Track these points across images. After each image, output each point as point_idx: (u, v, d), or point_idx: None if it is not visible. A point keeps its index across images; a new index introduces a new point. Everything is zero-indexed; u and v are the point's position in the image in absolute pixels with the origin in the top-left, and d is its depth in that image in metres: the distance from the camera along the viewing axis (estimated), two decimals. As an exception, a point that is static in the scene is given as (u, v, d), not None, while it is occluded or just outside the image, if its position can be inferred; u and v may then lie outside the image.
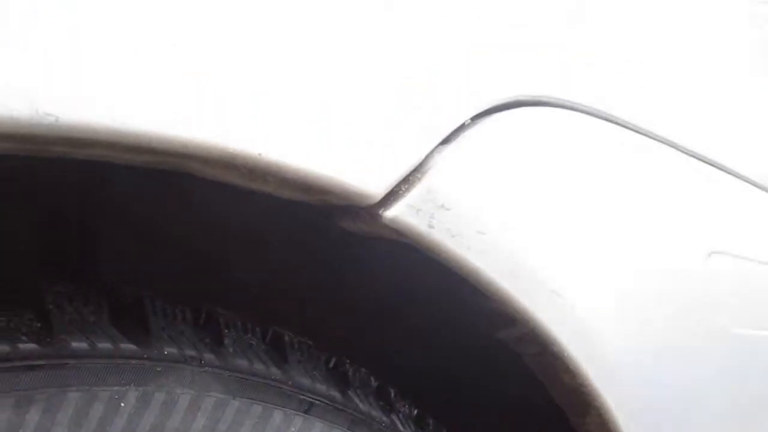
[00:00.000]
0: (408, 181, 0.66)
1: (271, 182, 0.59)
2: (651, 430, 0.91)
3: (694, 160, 1.03)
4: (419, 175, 0.67)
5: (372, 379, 0.79)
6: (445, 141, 0.68)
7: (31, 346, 0.58)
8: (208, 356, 0.66)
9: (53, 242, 0.72)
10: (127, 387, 0.60)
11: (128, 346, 0.62)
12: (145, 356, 0.62)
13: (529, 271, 0.75)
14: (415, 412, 0.81)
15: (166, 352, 0.64)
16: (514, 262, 0.73)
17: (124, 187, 0.66)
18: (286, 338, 0.73)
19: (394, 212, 0.64)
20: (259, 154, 0.56)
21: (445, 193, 0.68)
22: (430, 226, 0.67)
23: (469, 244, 0.69)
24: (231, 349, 0.68)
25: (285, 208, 0.68)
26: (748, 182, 1.14)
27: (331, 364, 0.76)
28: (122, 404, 0.59)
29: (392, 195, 0.65)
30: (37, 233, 0.71)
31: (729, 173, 1.10)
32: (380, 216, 0.64)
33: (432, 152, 0.67)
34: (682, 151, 1.00)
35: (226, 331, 0.69)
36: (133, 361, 0.62)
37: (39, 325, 0.60)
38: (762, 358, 1.13)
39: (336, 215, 0.67)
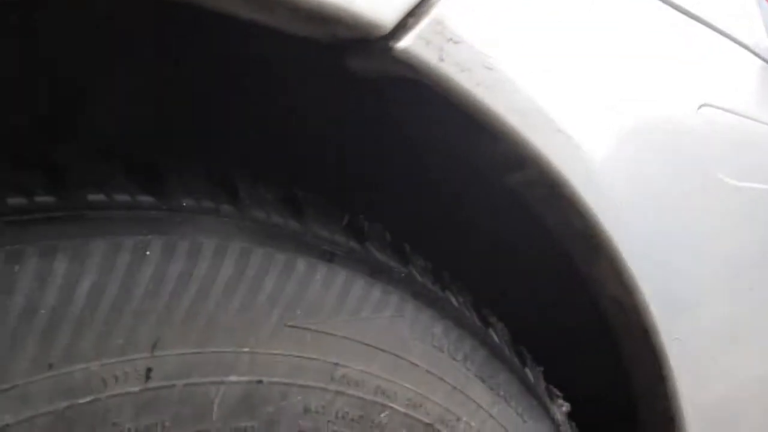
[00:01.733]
0: (416, 14, 0.65)
1: (280, 12, 0.57)
2: (661, 277, 0.92)
3: (687, 17, 1.03)
4: (426, 8, 0.65)
5: (387, 234, 0.78)
6: (452, -28, 0.67)
7: (48, 198, 0.56)
8: (225, 207, 0.65)
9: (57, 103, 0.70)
10: (150, 236, 0.59)
11: (146, 198, 0.61)
12: (164, 207, 0.61)
13: (537, 109, 0.74)
14: (430, 265, 0.81)
15: (184, 204, 0.62)
16: (522, 99, 0.73)
17: (128, 25, 0.64)
18: (299, 194, 0.72)
19: (404, 44, 0.63)
20: (269, -21, 0.54)
21: (453, 26, 0.66)
22: (441, 59, 0.66)
23: (478, 79, 0.69)
24: (247, 202, 0.67)
25: (293, 49, 0.66)
26: (734, 41, 1.15)
27: (345, 220, 0.75)
28: (148, 252, 0.58)
29: (401, 27, 0.63)
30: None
31: (717, 32, 1.11)
32: (391, 49, 0.63)
33: (439, -17, 0.66)
34: (677, 9, 1.00)
35: (240, 185, 0.68)
36: (153, 212, 0.60)
37: (52, 179, 0.58)
38: (754, 210, 1.15)
39: (346, 53, 0.65)
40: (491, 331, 0.84)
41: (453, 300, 0.80)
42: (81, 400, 0.54)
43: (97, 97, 0.73)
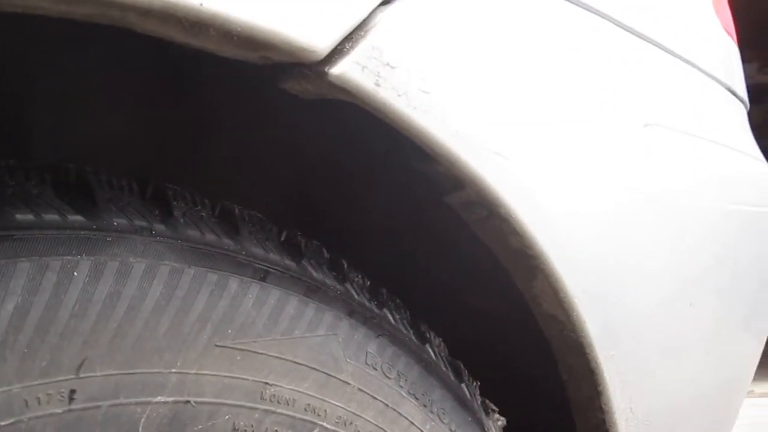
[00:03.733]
0: (352, 39, 0.65)
1: (214, 36, 0.57)
2: (598, 295, 0.93)
3: (628, 33, 1.05)
4: (363, 33, 0.66)
5: (324, 251, 0.79)
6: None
7: (-26, 218, 0.56)
8: (159, 227, 0.65)
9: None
10: (79, 257, 0.59)
11: (76, 218, 0.61)
12: (94, 227, 0.61)
13: (473, 131, 0.75)
14: (368, 282, 0.82)
15: (115, 223, 0.62)
16: (459, 122, 0.73)
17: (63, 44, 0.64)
18: (237, 211, 0.72)
19: (340, 69, 0.64)
20: (201, 4, 0.54)
21: (390, 51, 0.67)
22: (377, 84, 0.66)
23: (415, 103, 0.69)
24: (182, 220, 0.67)
25: (227, 71, 0.67)
26: (682, 59, 1.17)
27: (283, 237, 0.76)
28: (75, 273, 0.58)
29: (337, 52, 0.64)
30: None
31: (662, 49, 1.12)
32: (326, 74, 0.63)
33: (375, 10, 0.67)
34: (619, 26, 1.02)
35: (175, 203, 0.68)
36: (83, 232, 0.60)
37: (-21, 198, 0.58)
38: (696, 226, 1.17)
39: (280, 76, 0.65)
40: (428, 347, 0.85)
41: (390, 317, 0.81)
42: (2, 422, 0.54)
43: (27, 107, 0.72)
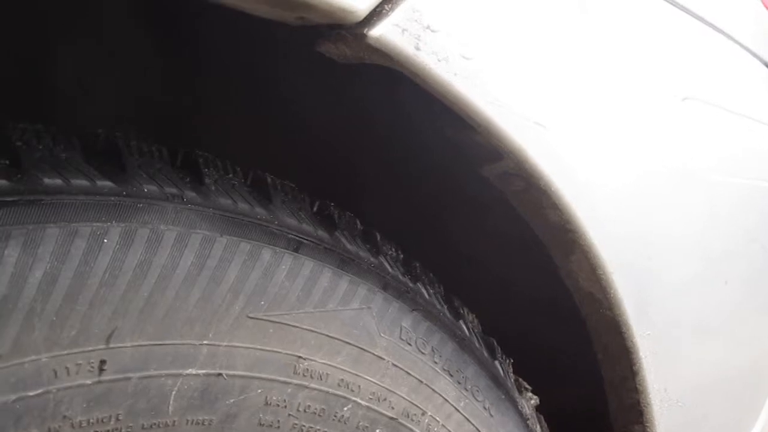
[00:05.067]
0: (392, 0, 0.62)
1: (250, -6, 0.55)
2: (635, 272, 0.91)
3: (669, 5, 1.01)
4: (403, -7, 0.63)
5: (357, 222, 0.77)
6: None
7: (2, 182, 0.54)
8: (190, 194, 0.63)
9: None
10: (109, 223, 0.57)
11: (105, 183, 0.58)
12: (124, 193, 0.59)
13: (514, 100, 0.72)
14: (402, 255, 0.80)
15: (145, 189, 0.60)
16: (500, 91, 0.71)
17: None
18: (269, 180, 0.70)
19: (379, 31, 0.61)
20: (237, -41, 0.52)
21: (430, 14, 0.64)
22: (417, 48, 0.63)
23: (455, 69, 0.67)
24: (213, 188, 0.65)
25: (265, 34, 0.64)
26: (722, 33, 1.14)
27: (315, 208, 0.74)
28: (105, 240, 0.56)
29: (376, 14, 0.61)
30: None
31: (703, 22, 1.09)
32: (365, 36, 0.61)
33: (416, -32, 0.64)
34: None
35: (206, 170, 0.66)
36: (112, 198, 0.58)
37: (7, 162, 0.56)
38: (732, 204, 1.14)
39: (316, 38, 0.63)
40: (461, 323, 0.83)
41: (424, 291, 0.79)
42: (30, 393, 0.52)
43: (53, 72, 0.70)
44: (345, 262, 0.71)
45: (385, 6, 0.62)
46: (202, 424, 0.61)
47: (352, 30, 0.61)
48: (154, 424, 0.59)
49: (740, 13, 1.21)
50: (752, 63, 1.26)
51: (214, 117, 0.80)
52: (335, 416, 0.70)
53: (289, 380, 0.66)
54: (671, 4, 1.01)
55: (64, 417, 0.54)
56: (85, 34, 0.75)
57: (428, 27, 0.64)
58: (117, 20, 0.74)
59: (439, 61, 0.65)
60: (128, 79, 0.75)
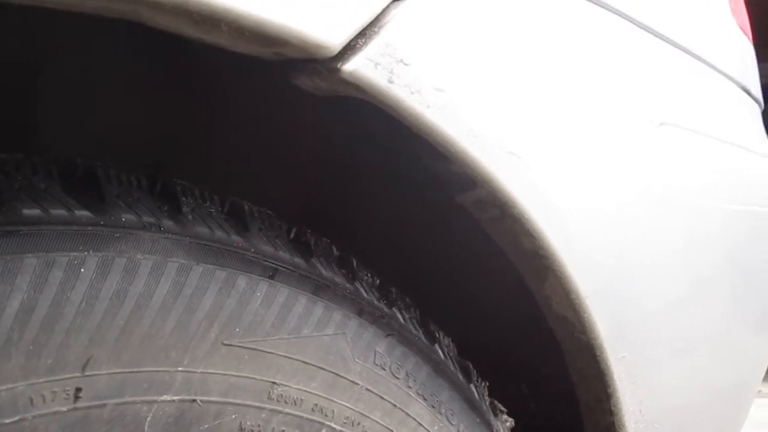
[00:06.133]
0: (365, 34, 0.64)
1: (226, 31, 0.56)
2: (609, 296, 0.92)
3: (644, 32, 1.03)
4: (376, 29, 0.65)
5: (334, 248, 0.78)
6: (401, -6, 0.66)
7: (-20, 212, 0.55)
8: (167, 223, 0.64)
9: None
10: (86, 253, 0.58)
11: (83, 213, 0.60)
12: (102, 223, 0.60)
13: (487, 130, 0.74)
14: (378, 281, 0.81)
15: (123, 219, 0.61)
16: (473, 120, 0.72)
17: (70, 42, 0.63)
18: (246, 207, 0.72)
19: (353, 65, 0.63)
20: (213, -1, 0.53)
21: (403, 48, 0.66)
22: (390, 81, 0.65)
23: (428, 101, 0.68)
24: (190, 217, 0.66)
25: (239, 68, 0.66)
26: (697, 58, 1.16)
27: (292, 234, 0.75)
28: (82, 270, 0.57)
29: (350, 48, 0.63)
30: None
31: (677, 47, 1.11)
32: (339, 70, 0.62)
33: (388, 6, 0.65)
34: (634, 23, 1.00)
35: (184, 199, 0.67)
36: (90, 228, 0.59)
37: (-14, 192, 0.57)
38: (716, 229, 1.15)
39: (292, 72, 0.64)
40: (437, 347, 0.84)
41: (399, 316, 0.80)
42: (6, 420, 0.53)
43: (36, 101, 0.72)
44: (320, 288, 0.72)
45: (359, 41, 0.63)
46: (177, 450, 0.62)
47: (326, 64, 0.62)
48: (129, 450, 0.60)
49: (715, 37, 1.24)
50: (728, 86, 1.28)
51: (192, 145, 0.81)
52: (309, 441, 0.71)
53: (263, 405, 0.67)
54: (645, 30, 1.03)
55: (40, 444, 0.55)
56: (67, 64, 0.76)
57: (401, 60, 0.66)
58: (99, 52, 0.75)
59: (411, 93, 0.67)
60: (108, 109, 0.76)
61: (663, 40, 1.07)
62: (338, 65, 0.62)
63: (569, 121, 0.85)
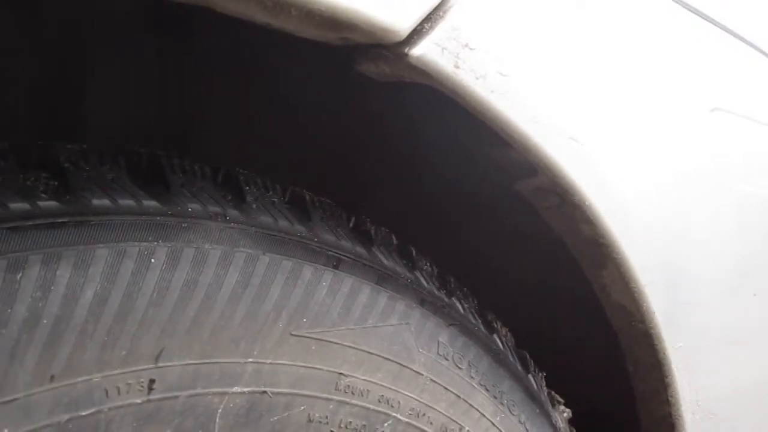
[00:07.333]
0: (431, 19, 0.63)
1: (295, 16, 0.55)
2: (667, 285, 0.90)
3: (699, 18, 1.02)
4: (441, 13, 0.63)
5: (393, 237, 0.77)
6: (467, -23, 0.65)
7: (51, 203, 0.55)
8: (233, 212, 0.63)
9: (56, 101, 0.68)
10: (155, 243, 0.57)
11: (151, 203, 0.59)
12: (169, 212, 0.60)
13: (550, 116, 0.73)
14: (436, 270, 0.80)
15: (189, 209, 0.61)
16: (536, 106, 0.71)
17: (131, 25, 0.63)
18: (307, 197, 0.71)
19: (420, 50, 0.61)
20: (284, -17, 0.52)
21: (468, 32, 0.65)
22: (456, 66, 0.64)
23: (492, 86, 0.67)
24: (254, 206, 0.65)
25: (305, 53, 0.65)
26: (749, 45, 1.14)
27: (352, 223, 0.74)
28: (153, 260, 0.57)
29: (417, 33, 0.62)
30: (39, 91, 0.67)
31: (731, 34, 1.09)
32: (406, 55, 0.61)
33: (453, -11, 0.64)
34: (691, 11, 0.99)
35: (247, 188, 0.66)
36: (158, 218, 0.59)
37: (56, 183, 0.56)
38: (760, 214, 1.13)
39: (357, 58, 0.63)
40: (496, 337, 0.83)
41: (459, 306, 0.79)
42: (83, 412, 0.53)
43: (100, 96, 0.71)
44: (383, 278, 0.71)
45: (425, 25, 0.62)
46: (247, 441, 0.62)
47: (393, 49, 0.61)
48: (201, 442, 0.59)
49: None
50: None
51: (246, 132, 0.80)
52: (376, 432, 0.70)
53: (331, 397, 0.67)
54: (699, 16, 1.01)
55: (115, 436, 0.55)
56: (115, 54, 0.76)
57: (467, 45, 0.65)
58: (148, 39, 0.75)
59: (477, 78, 0.66)
60: (161, 98, 0.75)
61: (715, 25, 1.05)
62: (405, 50, 0.61)
63: (627, 107, 0.83)
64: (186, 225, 0.60)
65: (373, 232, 0.75)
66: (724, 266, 1.04)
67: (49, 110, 0.70)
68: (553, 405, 0.92)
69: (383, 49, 0.61)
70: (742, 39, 1.08)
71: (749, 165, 1.09)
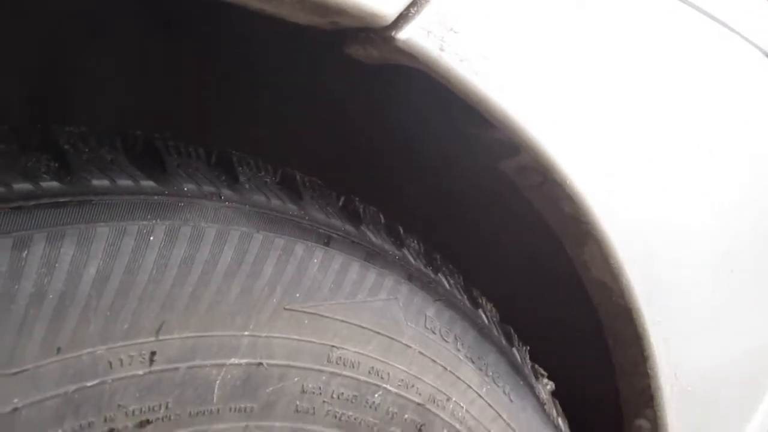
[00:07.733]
0: (417, 3, 0.65)
1: (288, 2, 0.57)
2: (646, 261, 0.93)
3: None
4: (427, -3, 0.66)
5: (381, 216, 0.80)
6: (452, -38, 0.67)
7: (53, 184, 0.57)
8: (227, 192, 0.65)
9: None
10: (154, 221, 0.60)
11: (148, 183, 0.61)
12: (166, 192, 0.62)
13: (532, 97, 0.75)
14: (423, 248, 0.83)
15: (185, 188, 0.63)
16: (518, 87, 0.73)
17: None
18: (298, 177, 0.73)
19: (406, 34, 0.64)
20: (276, -30, 0.55)
21: (452, 16, 0.67)
22: (441, 49, 0.66)
23: (476, 68, 0.69)
24: (247, 186, 0.68)
25: (294, 38, 0.67)
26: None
27: (341, 202, 0.77)
28: (152, 238, 0.59)
29: (403, 17, 0.64)
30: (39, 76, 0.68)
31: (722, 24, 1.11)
32: (393, 39, 0.63)
33: (439, -26, 0.66)
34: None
35: (240, 168, 0.69)
36: (156, 197, 0.61)
37: (57, 164, 0.58)
38: (740, 194, 1.16)
39: (345, 41, 0.66)
40: (481, 312, 0.86)
41: (445, 282, 0.82)
42: (88, 383, 0.55)
43: (95, 79, 0.73)
44: (371, 255, 0.74)
45: (411, 9, 0.65)
46: (244, 411, 0.64)
47: (381, 33, 0.63)
48: (200, 411, 0.62)
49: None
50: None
51: (238, 115, 0.83)
52: (366, 402, 0.73)
53: (323, 368, 0.69)
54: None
55: (119, 406, 0.57)
56: (109, 39, 0.78)
57: (451, 28, 0.67)
58: (145, 23, 0.76)
59: (461, 61, 0.68)
60: (156, 82, 0.77)
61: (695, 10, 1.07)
62: (392, 33, 0.63)
63: (609, 85, 0.86)
64: (182, 204, 0.62)
65: (361, 210, 0.77)
66: (703, 243, 1.07)
67: (46, 97, 0.71)
68: (537, 377, 0.95)
69: (371, 33, 0.64)
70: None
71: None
